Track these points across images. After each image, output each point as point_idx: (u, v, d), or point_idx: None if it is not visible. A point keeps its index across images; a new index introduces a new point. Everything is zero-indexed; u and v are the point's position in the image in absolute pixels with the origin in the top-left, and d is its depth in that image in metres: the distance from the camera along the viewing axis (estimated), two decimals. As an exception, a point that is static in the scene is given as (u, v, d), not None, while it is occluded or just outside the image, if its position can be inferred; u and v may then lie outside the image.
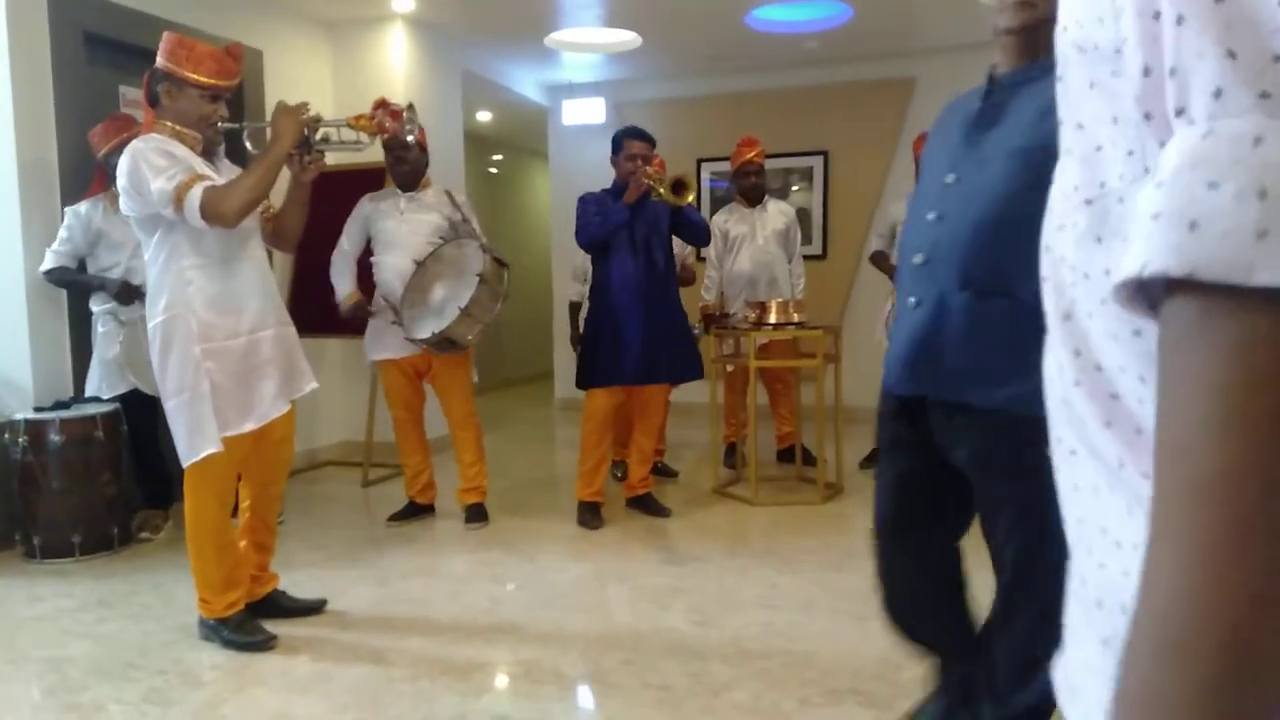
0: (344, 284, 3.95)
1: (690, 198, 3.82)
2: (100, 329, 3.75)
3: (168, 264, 2.50)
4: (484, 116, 7.95)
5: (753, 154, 4.88)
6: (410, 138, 2.83)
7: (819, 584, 3.19)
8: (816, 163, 6.70)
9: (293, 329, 2.78)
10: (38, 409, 3.60)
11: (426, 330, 3.52)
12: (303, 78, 5.28)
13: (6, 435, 3.51)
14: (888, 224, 5.04)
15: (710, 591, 3.13)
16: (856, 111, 6.59)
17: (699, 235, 4.08)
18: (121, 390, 3.72)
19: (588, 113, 7.03)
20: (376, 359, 3.96)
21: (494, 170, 9.18)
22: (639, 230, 3.92)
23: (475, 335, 3.59)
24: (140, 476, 3.86)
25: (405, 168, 3.92)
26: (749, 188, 4.92)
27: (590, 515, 3.98)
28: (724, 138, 6.68)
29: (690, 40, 6.05)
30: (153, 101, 2.59)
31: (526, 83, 7.19)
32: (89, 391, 3.77)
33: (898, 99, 6.50)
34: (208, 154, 2.61)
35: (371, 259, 3.95)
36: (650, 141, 3.94)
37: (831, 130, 6.65)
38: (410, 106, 2.77)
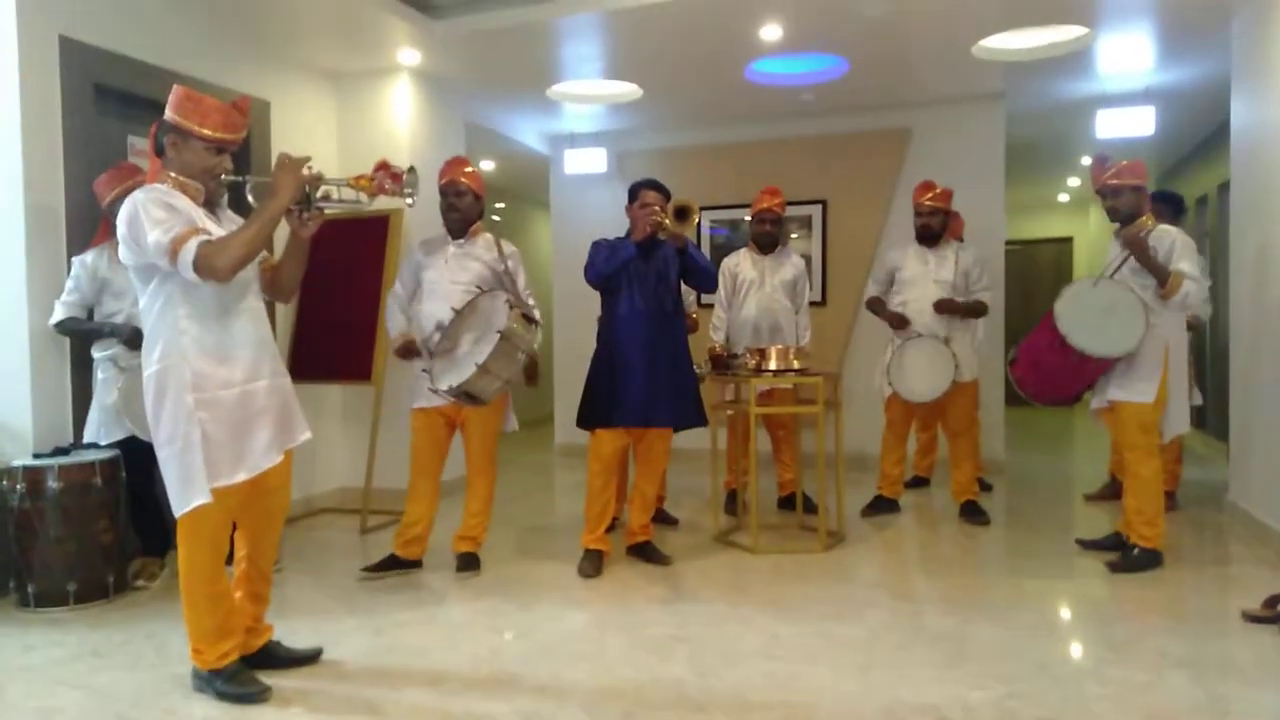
0: (395, 324, 3.98)
1: (694, 221, 3.84)
2: (100, 375, 3.76)
3: (163, 313, 2.51)
4: (487, 165, 8.06)
5: (773, 203, 4.94)
6: (409, 202, 2.84)
7: (821, 634, 3.15)
8: (815, 211, 6.77)
9: (288, 380, 2.78)
10: (37, 455, 3.59)
11: (447, 382, 3.51)
12: (308, 128, 5.36)
13: (4, 482, 3.49)
14: (885, 270, 5.08)
15: (711, 641, 3.09)
16: (853, 161, 6.68)
17: (706, 280, 4.09)
18: (119, 437, 3.72)
19: (589, 162, 7.14)
20: (414, 407, 3.91)
21: (496, 218, 9.27)
22: (648, 274, 3.95)
23: (495, 390, 3.56)
24: (137, 524, 3.84)
25: (456, 215, 3.95)
26: (763, 235, 4.97)
27: (590, 564, 3.94)
28: (724, 187, 6.78)
29: (690, 92, 6.16)
30: (158, 152, 2.63)
31: (529, 133, 7.30)
32: (87, 438, 3.77)
33: (894, 149, 6.59)
34: (210, 205, 2.64)
35: (417, 306, 3.96)
36: (665, 193, 4.00)
37: (829, 180, 6.73)
38: (411, 169, 2.79)
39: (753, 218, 5.03)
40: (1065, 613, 3.45)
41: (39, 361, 3.77)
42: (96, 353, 3.77)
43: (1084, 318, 3.79)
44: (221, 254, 2.42)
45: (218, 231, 2.53)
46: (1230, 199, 5.08)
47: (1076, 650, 3.05)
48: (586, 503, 4.04)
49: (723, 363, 4.62)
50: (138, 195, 2.47)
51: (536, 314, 3.67)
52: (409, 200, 2.79)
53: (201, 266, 2.40)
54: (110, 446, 3.70)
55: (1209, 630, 3.20)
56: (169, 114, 2.57)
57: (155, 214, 2.42)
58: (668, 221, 3.84)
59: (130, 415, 3.64)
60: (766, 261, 4.98)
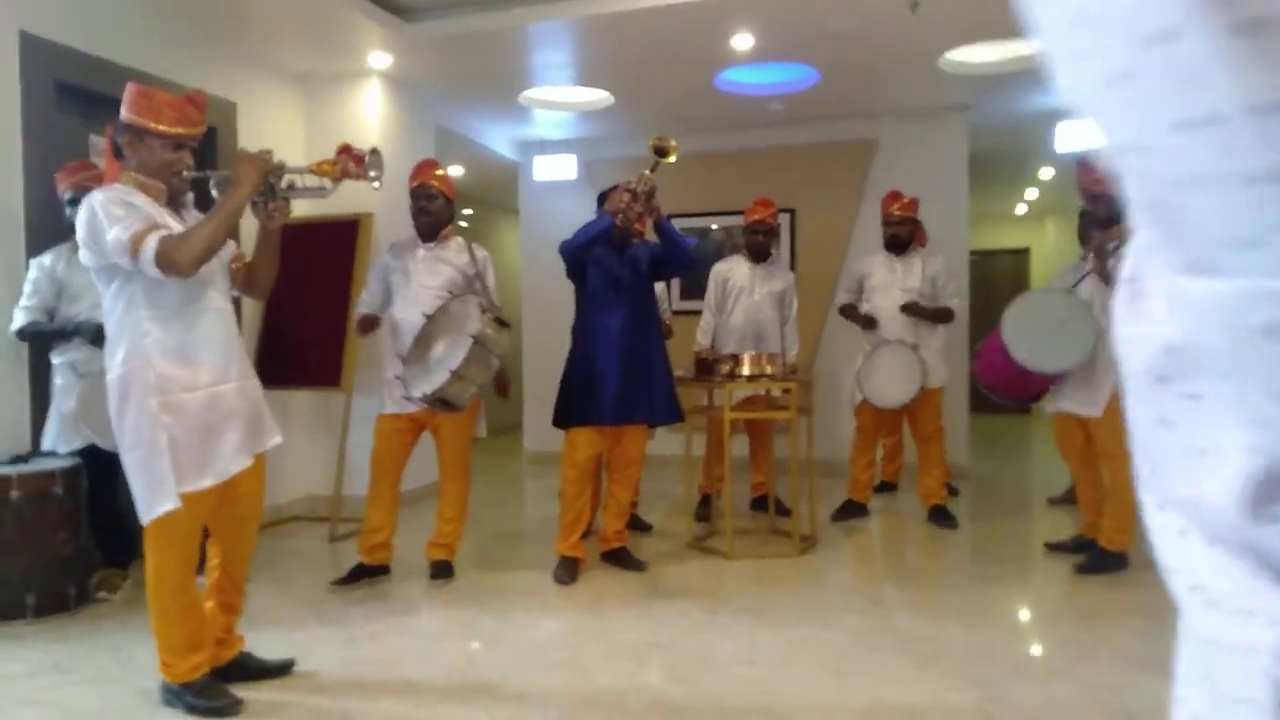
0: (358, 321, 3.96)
1: (672, 158, 3.73)
2: (58, 381, 3.66)
3: (125, 315, 2.44)
4: (456, 171, 8.00)
5: (765, 214, 4.98)
6: (375, 185, 2.79)
7: (797, 640, 3.16)
8: (783, 220, 6.82)
9: (256, 382, 2.72)
10: (-6, 463, 3.48)
11: (421, 389, 3.45)
12: (275, 130, 5.28)
13: (-40, 491, 3.38)
14: (854, 279, 5.14)
15: (688, 648, 3.09)
16: (821, 171, 6.74)
17: (683, 257, 3.96)
18: (77, 445, 3.61)
19: (559, 169, 7.13)
20: (383, 413, 3.85)
21: (464, 224, 9.21)
22: (621, 271, 3.94)
23: (470, 396, 3.52)
24: (99, 534, 3.74)
25: (427, 218, 3.89)
26: (756, 245, 5.01)
27: (565, 570, 3.91)
28: (693, 195, 6.80)
29: (661, 100, 6.17)
30: (117, 154, 2.57)
31: (498, 139, 7.27)
32: (45, 446, 3.66)
33: (860, 159, 6.67)
34: (174, 204, 2.58)
35: (388, 311, 3.91)
36: None
37: (797, 189, 6.79)
38: (374, 151, 2.75)
39: (745, 228, 5.07)
40: (1036, 615, 3.50)
41: (-4, 367, 3.66)
42: (55, 358, 3.67)
43: (1030, 331, 3.82)
44: (183, 248, 2.36)
45: (176, 229, 2.47)
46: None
47: (1049, 652, 3.09)
48: (561, 509, 4.01)
49: (708, 367, 4.63)
50: (95, 196, 2.41)
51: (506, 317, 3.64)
52: (375, 183, 2.74)
53: (163, 261, 2.33)
54: (70, 455, 3.60)
55: (1172, 632, 3.26)
56: (124, 113, 2.50)
57: (114, 212, 2.36)
58: (647, 172, 3.77)
59: (89, 423, 3.54)
60: (759, 271, 5.01)
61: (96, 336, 3.51)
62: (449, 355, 3.47)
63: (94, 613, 3.53)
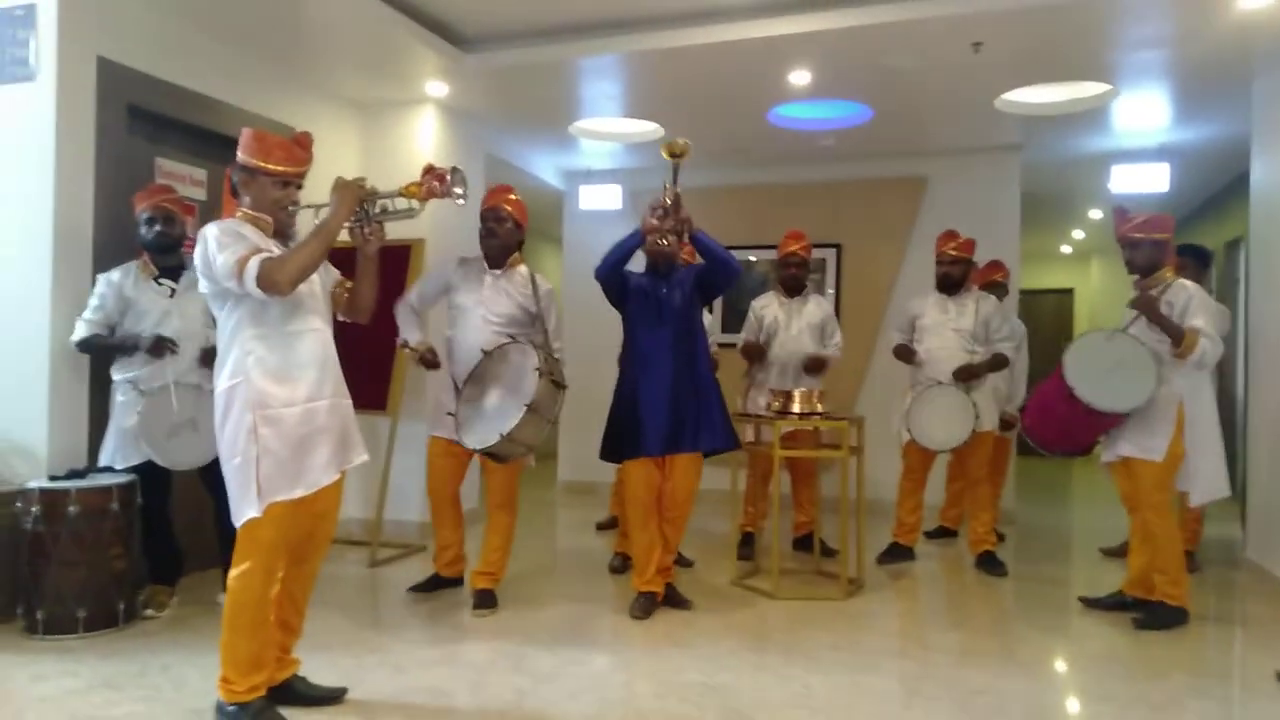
0: (414, 333, 3.91)
1: (686, 157, 3.74)
2: (119, 397, 3.70)
3: (234, 334, 2.59)
4: (500, 199, 8.06)
5: (798, 247, 4.97)
6: (460, 201, 2.84)
7: (854, 686, 3.09)
8: (830, 255, 6.80)
9: (349, 401, 2.82)
10: (52, 477, 3.52)
11: (471, 442, 3.50)
12: (331, 155, 5.35)
13: (19, 504, 3.42)
14: (907, 318, 5.08)
15: (744, 691, 3.02)
16: (870, 207, 6.73)
17: (726, 269, 3.87)
18: (135, 461, 3.64)
19: (604, 198, 7.16)
20: (435, 434, 3.90)
21: (504, 251, 9.27)
22: (665, 297, 3.90)
23: (520, 453, 3.59)
24: (149, 551, 3.76)
25: (494, 241, 3.87)
26: (789, 278, 4.99)
27: (640, 606, 3.83)
28: (740, 228, 6.80)
29: (711, 133, 6.19)
30: (234, 192, 2.80)
31: (545, 168, 7.33)
32: (102, 461, 3.69)
33: (910, 197, 6.65)
34: (282, 235, 2.73)
35: (446, 332, 3.93)
36: None
37: (845, 224, 6.77)
38: (455, 169, 2.81)
39: (779, 261, 5.05)
40: (1097, 670, 3.39)
41: (58, 381, 3.71)
42: (116, 374, 3.71)
43: (1093, 370, 3.75)
44: (282, 268, 2.50)
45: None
46: (1249, 253, 5.13)
47: (1117, 710, 2.98)
48: (632, 542, 3.95)
49: (759, 353, 4.87)
50: (209, 228, 2.57)
51: (563, 370, 3.66)
52: (460, 200, 2.81)
53: (265, 281, 2.48)
54: (126, 471, 3.63)
55: (1245, 692, 3.15)
56: (239, 155, 2.69)
57: (224, 240, 2.53)
58: (668, 183, 3.77)
59: (148, 439, 3.57)
60: (793, 304, 4.99)
61: (154, 347, 3.57)
62: (502, 415, 3.48)
63: (141, 630, 3.54)
